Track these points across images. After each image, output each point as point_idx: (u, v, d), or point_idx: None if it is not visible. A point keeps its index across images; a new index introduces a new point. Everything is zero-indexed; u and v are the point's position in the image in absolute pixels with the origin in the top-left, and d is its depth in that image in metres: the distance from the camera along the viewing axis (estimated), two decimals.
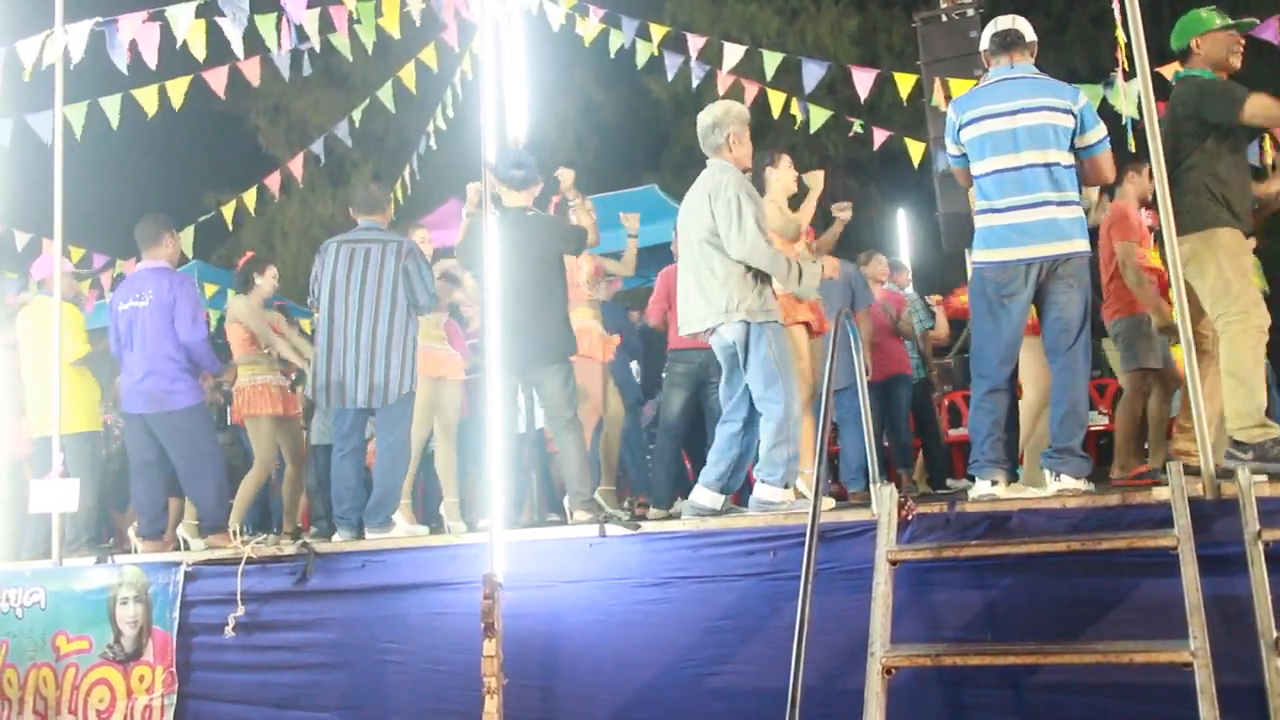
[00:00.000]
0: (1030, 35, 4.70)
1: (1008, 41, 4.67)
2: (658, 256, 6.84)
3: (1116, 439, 5.84)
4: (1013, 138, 4.48)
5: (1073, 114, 4.49)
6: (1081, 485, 4.31)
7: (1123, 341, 5.80)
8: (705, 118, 5.10)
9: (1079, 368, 4.49)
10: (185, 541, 6.32)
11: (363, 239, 5.73)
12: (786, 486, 4.78)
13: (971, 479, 4.59)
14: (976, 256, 4.61)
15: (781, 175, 5.65)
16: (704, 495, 4.85)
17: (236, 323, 6.86)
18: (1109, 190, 6.08)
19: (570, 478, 5.45)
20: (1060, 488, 4.28)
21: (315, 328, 6.17)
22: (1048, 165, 4.44)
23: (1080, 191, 4.58)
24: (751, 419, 4.93)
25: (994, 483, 4.42)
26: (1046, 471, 4.42)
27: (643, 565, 4.51)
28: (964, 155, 4.68)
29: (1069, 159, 4.50)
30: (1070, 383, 4.47)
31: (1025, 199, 4.45)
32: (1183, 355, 4.08)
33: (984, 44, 4.78)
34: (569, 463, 5.45)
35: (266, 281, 7.01)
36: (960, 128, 4.65)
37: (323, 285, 5.68)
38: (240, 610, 5.14)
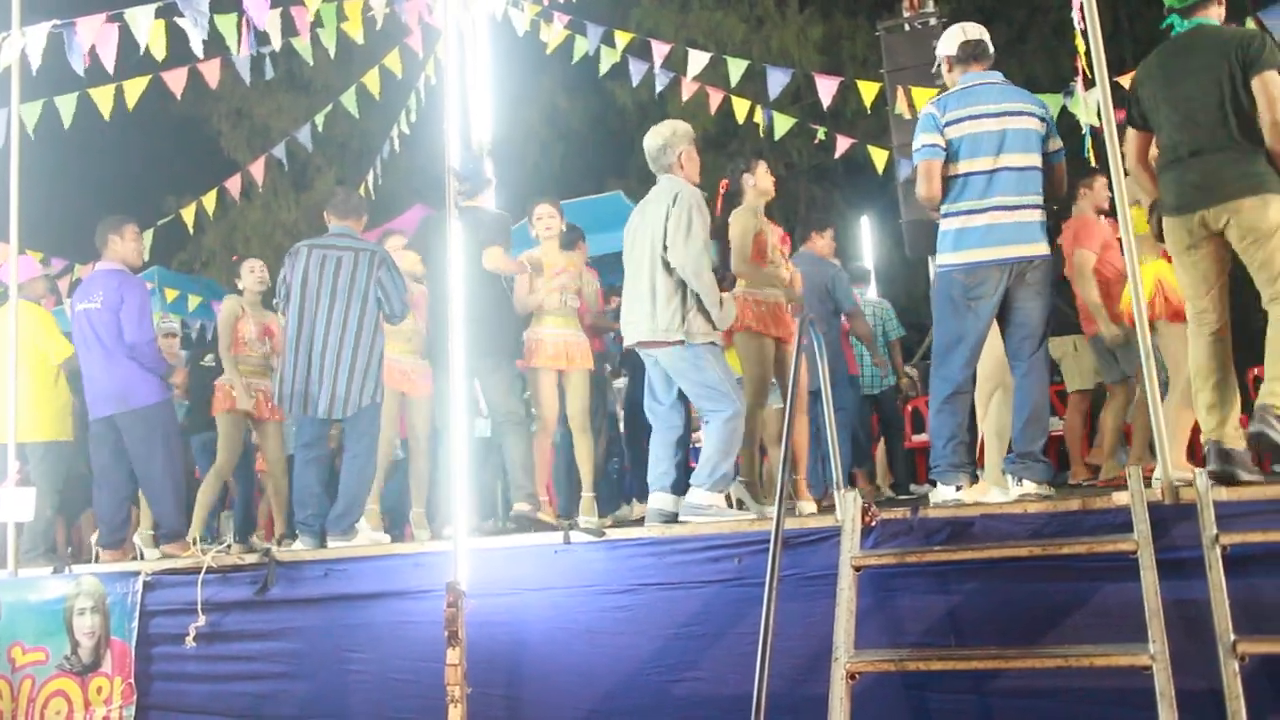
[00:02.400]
0: (992, 48, 4.78)
1: (977, 52, 4.73)
2: (620, 262, 6.82)
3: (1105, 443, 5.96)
4: (1000, 140, 4.52)
5: (1046, 121, 4.59)
6: (1043, 490, 4.34)
7: (1103, 349, 5.88)
8: (654, 140, 5.10)
9: (1041, 374, 4.54)
10: (141, 551, 6.23)
11: (336, 245, 5.68)
12: (719, 492, 4.82)
13: (933, 484, 4.62)
14: (944, 259, 4.59)
15: (759, 181, 5.67)
16: (663, 500, 4.84)
17: (226, 322, 6.84)
18: (1064, 205, 6.14)
19: (514, 470, 5.46)
20: (1022, 492, 4.31)
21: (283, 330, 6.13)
22: (1026, 169, 4.51)
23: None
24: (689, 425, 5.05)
25: (958, 487, 4.45)
26: (1009, 476, 4.45)
27: (608, 572, 4.50)
28: (944, 148, 4.59)
29: (1040, 164, 4.57)
30: (1033, 389, 4.52)
31: (1004, 200, 4.49)
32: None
33: (949, 50, 4.77)
34: (511, 460, 5.45)
35: (246, 278, 6.95)
36: (946, 124, 4.61)
37: (293, 290, 5.62)
38: (201, 620, 5.09)
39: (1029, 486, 4.35)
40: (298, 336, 5.56)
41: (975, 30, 4.76)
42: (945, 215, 4.62)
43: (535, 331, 5.90)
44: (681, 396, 5.00)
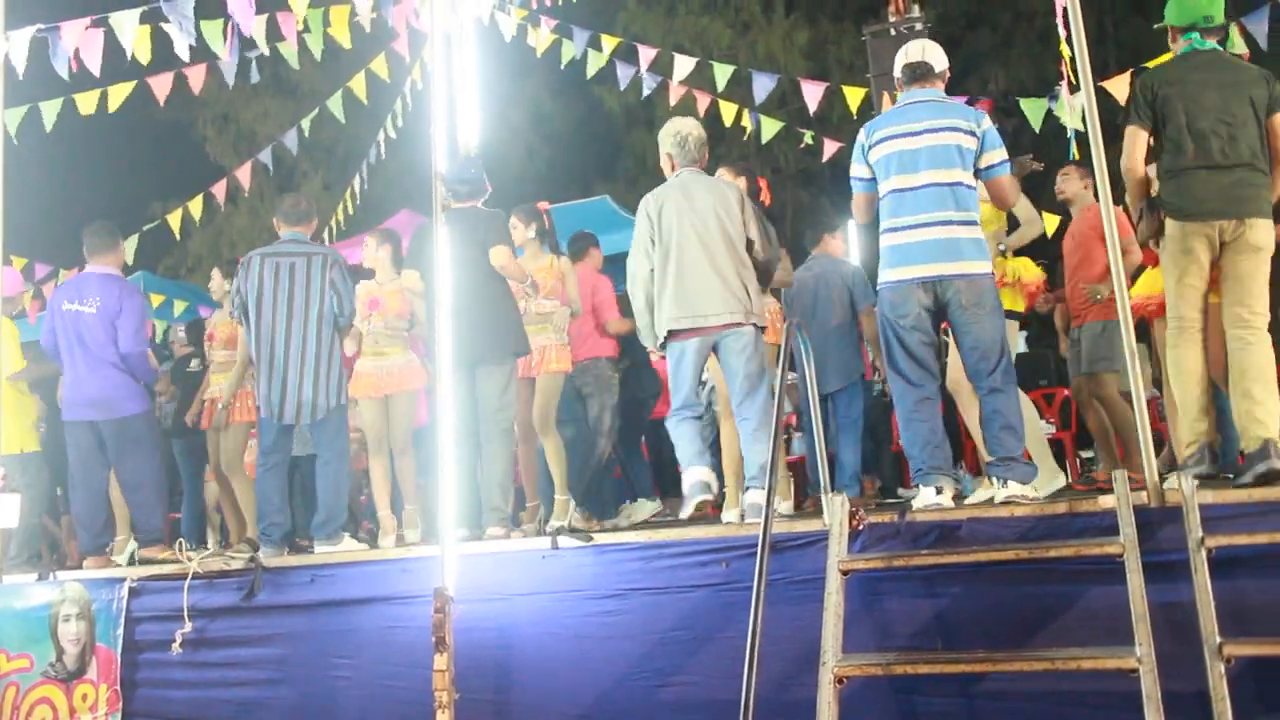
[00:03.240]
0: (940, 64, 4.76)
1: (918, 73, 4.74)
2: (611, 266, 6.80)
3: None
4: (915, 158, 4.53)
5: (975, 135, 4.54)
6: (1029, 491, 4.33)
7: (1089, 343, 5.87)
8: (696, 131, 5.11)
9: (1007, 388, 4.52)
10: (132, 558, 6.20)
11: (288, 252, 5.68)
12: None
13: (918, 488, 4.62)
14: (880, 278, 4.66)
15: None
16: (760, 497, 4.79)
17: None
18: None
19: (491, 489, 5.40)
20: (1008, 494, 4.31)
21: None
22: (950, 185, 4.50)
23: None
24: None
25: (938, 490, 4.45)
26: (994, 479, 4.45)
27: (596, 577, 4.50)
28: (872, 179, 4.71)
29: (972, 180, 4.57)
30: (1001, 404, 4.50)
31: (922, 218, 4.50)
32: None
33: (896, 73, 4.84)
34: (491, 473, 5.41)
35: (214, 285, 6.94)
36: (869, 148, 4.69)
37: (249, 299, 5.60)
38: (187, 626, 5.06)
39: (1014, 488, 4.32)
40: (258, 346, 5.57)
41: (916, 51, 4.78)
42: (881, 234, 4.68)
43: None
44: None
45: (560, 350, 6.04)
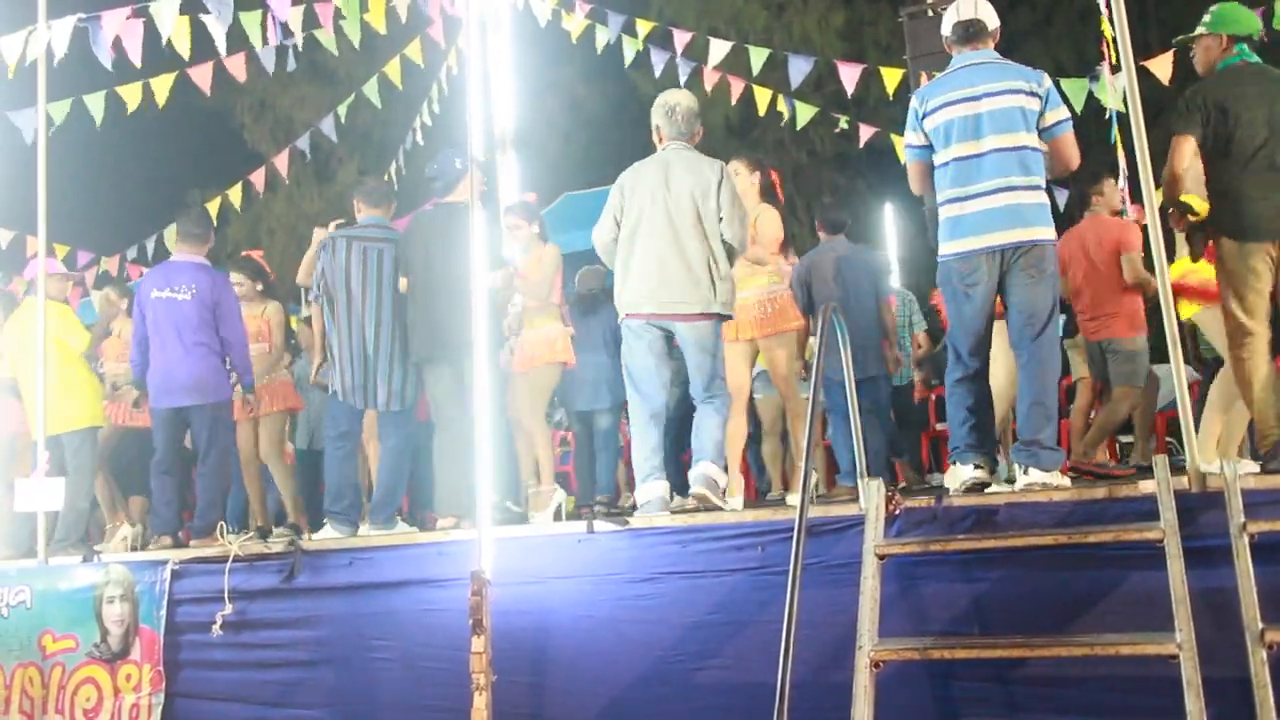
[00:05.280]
0: (993, 22, 4.63)
1: (971, 32, 4.61)
2: None
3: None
4: (977, 123, 4.42)
5: (1038, 95, 4.43)
6: (1052, 479, 4.23)
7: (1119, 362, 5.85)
8: (689, 103, 5.08)
9: (1046, 359, 4.42)
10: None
11: (372, 237, 5.70)
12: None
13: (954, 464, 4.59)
14: (942, 249, 4.56)
15: (741, 182, 5.70)
16: (710, 469, 4.83)
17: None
18: (1081, 206, 6.09)
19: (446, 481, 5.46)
20: (1029, 481, 4.22)
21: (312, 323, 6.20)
22: (1016, 149, 4.39)
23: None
24: None
25: (976, 467, 4.40)
26: (1016, 465, 4.40)
27: (631, 561, 4.51)
28: (927, 146, 4.60)
29: (1038, 142, 4.45)
30: (1036, 374, 4.41)
31: (988, 185, 4.39)
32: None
33: (946, 32, 4.71)
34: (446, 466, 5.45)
35: (98, 302, 7.17)
36: (924, 116, 4.58)
37: (335, 284, 5.64)
38: (228, 608, 5.12)
39: (1035, 475, 4.23)
40: (349, 331, 5.60)
41: (969, 8, 4.62)
42: (941, 204, 4.58)
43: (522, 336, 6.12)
44: None
45: (564, 341, 6.08)
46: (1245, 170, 4.28)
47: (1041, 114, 4.44)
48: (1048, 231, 4.42)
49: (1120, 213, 6.11)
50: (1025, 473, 4.27)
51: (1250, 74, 4.39)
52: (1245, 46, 4.44)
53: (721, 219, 4.86)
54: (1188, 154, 4.39)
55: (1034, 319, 4.40)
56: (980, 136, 4.41)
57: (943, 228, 4.55)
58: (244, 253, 7.32)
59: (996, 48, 4.66)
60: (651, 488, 4.83)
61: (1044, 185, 4.47)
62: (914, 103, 4.65)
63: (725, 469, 4.95)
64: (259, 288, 7.00)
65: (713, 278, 4.81)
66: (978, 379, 4.55)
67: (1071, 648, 3.45)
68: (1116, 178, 6.17)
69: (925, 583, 3.99)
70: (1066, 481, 4.35)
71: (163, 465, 6.04)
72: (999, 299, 4.57)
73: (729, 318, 5.01)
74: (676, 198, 4.86)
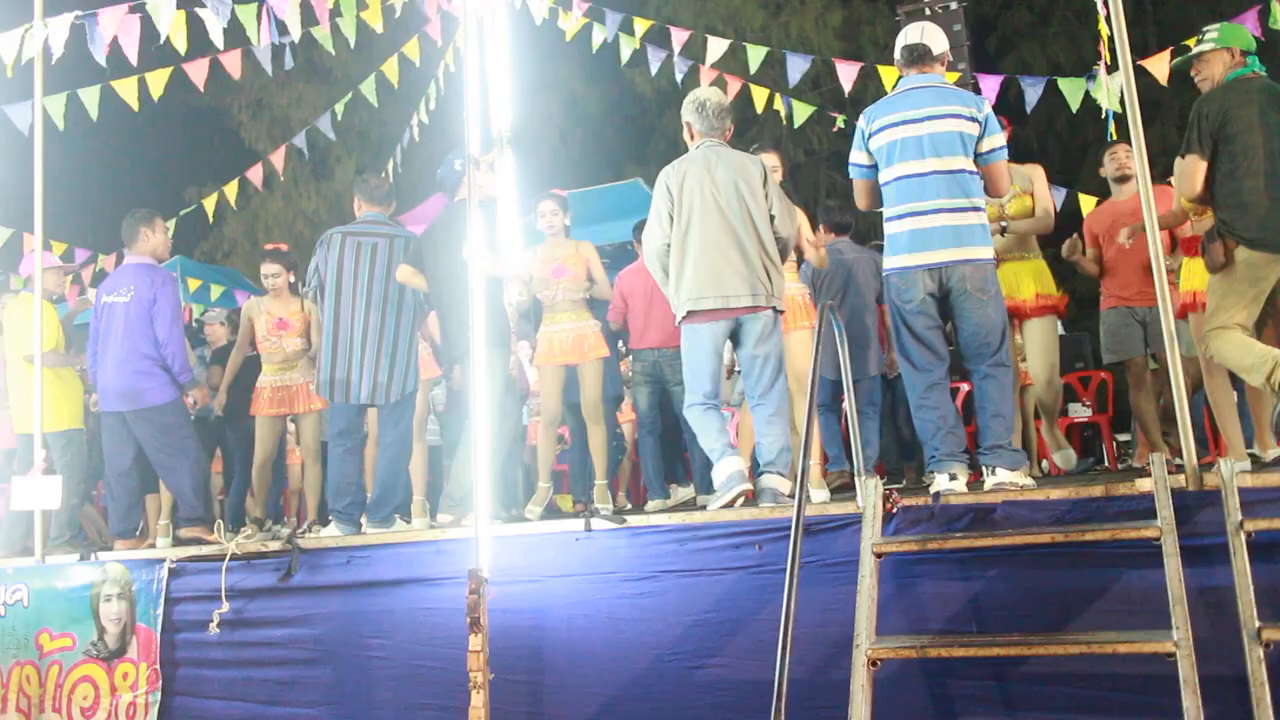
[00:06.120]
0: (939, 47, 4.73)
1: (915, 56, 4.71)
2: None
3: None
4: (919, 145, 4.50)
5: (977, 121, 4.51)
6: (1019, 478, 4.29)
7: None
8: (721, 100, 5.04)
9: (1003, 377, 4.51)
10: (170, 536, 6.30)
11: (368, 232, 5.72)
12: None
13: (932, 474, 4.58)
14: (885, 264, 4.64)
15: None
16: (778, 482, 4.75)
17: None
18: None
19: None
20: (998, 481, 4.27)
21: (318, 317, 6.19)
22: (952, 172, 4.48)
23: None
24: None
25: (952, 476, 4.41)
26: (984, 467, 4.42)
27: (629, 559, 4.51)
28: (873, 166, 4.69)
29: (974, 166, 4.54)
30: (994, 392, 4.49)
31: (929, 205, 4.47)
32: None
33: (896, 55, 4.81)
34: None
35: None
36: (869, 136, 4.66)
37: (327, 278, 5.65)
38: (225, 607, 5.13)
39: (1003, 475, 4.29)
40: (335, 325, 5.60)
41: (915, 33, 4.74)
42: (886, 221, 4.65)
43: (545, 329, 6.04)
44: None
45: (598, 336, 6.04)
46: (1262, 180, 4.31)
47: (980, 139, 4.53)
48: (987, 251, 4.52)
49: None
50: (993, 473, 4.34)
51: (1259, 86, 4.44)
52: (1256, 58, 4.52)
53: (773, 215, 4.87)
54: (1201, 175, 4.45)
55: (989, 339, 4.50)
56: (923, 157, 4.50)
57: (886, 244, 4.64)
58: (268, 245, 7.25)
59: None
60: (728, 463, 4.74)
61: (982, 207, 4.56)
62: (861, 122, 4.73)
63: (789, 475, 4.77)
64: (292, 279, 6.95)
65: (768, 271, 4.80)
66: (942, 385, 4.58)
67: (1069, 646, 3.45)
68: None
69: (923, 581, 4.00)
70: (1031, 482, 4.40)
71: (115, 467, 6.07)
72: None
73: (783, 311, 4.98)
74: (724, 193, 4.82)
